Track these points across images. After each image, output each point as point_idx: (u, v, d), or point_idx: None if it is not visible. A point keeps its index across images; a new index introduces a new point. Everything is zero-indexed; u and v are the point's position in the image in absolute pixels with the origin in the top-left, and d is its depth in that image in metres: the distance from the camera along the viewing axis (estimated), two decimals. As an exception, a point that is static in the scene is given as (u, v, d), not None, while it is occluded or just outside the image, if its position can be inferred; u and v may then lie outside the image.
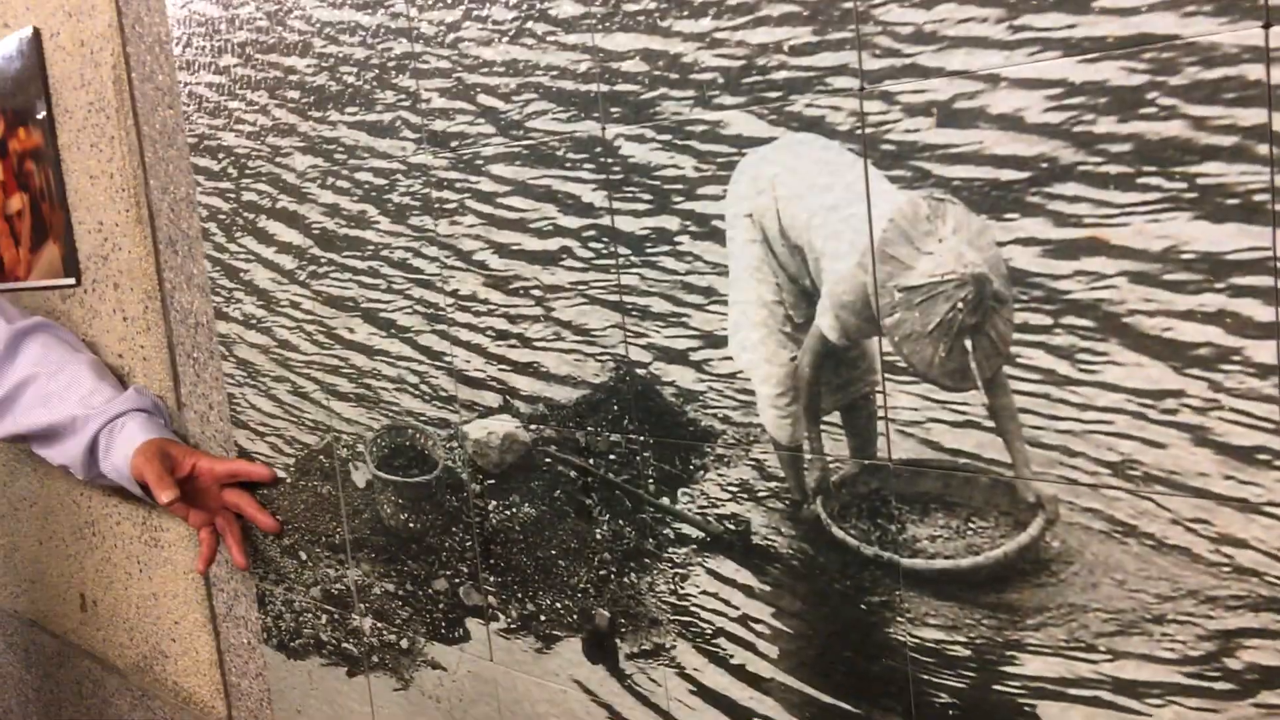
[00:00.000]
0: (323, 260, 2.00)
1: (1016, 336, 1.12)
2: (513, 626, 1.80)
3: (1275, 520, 0.98)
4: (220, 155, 2.19)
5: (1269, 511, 0.98)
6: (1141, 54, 0.99)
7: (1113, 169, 1.02)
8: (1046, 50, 1.05)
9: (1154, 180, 1.00)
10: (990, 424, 1.16)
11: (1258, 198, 0.94)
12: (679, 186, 1.40)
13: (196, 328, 2.40)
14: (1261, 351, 0.97)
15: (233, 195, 2.18)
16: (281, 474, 2.25)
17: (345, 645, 2.19)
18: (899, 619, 1.28)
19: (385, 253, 1.86)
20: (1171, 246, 1.00)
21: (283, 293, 2.12)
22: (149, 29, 2.31)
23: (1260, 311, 0.96)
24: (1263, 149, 0.94)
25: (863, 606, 1.31)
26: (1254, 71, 0.93)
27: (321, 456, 2.14)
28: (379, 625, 2.08)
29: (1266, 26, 0.92)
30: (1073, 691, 1.14)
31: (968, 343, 1.15)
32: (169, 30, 2.24)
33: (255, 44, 2.03)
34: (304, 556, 2.24)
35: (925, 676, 1.26)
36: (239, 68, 2.08)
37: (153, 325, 2.52)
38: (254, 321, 2.22)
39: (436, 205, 1.74)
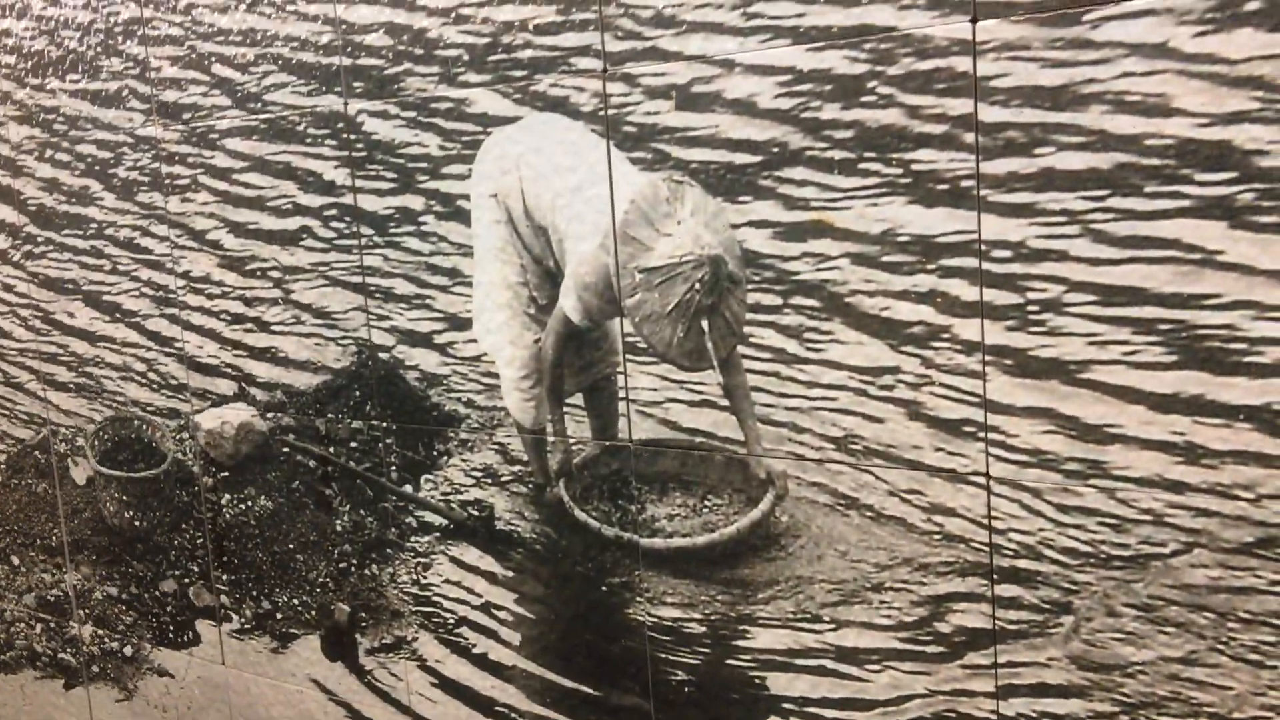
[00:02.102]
0: (40, 239, 1.85)
1: (749, 317, 1.15)
2: (247, 627, 1.71)
3: (979, 489, 1.04)
4: (-78, 122, 1.99)
5: (974, 481, 1.05)
6: (863, 44, 1.04)
7: (837, 154, 1.07)
8: (777, 38, 1.08)
9: (874, 165, 1.05)
10: (725, 403, 1.19)
11: (964, 183, 1.00)
12: (423, 165, 1.37)
13: (-107, 313, 2.18)
14: (968, 329, 1.03)
15: (-63, 167, 1.99)
16: (-9, 472, 2.07)
17: (62, 656, 2.02)
18: (638, 599, 1.29)
19: (110, 231, 1.74)
20: (889, 230, 1.05)
21: (-6, 274, 1.95)
22: None
23: (967, 291, 1.02)
24: (969, 137, 1.00)
25: (604, 588, 1.32)
26: (962, 63, 0.99)
27: (37, 452, 1.98)
28: (100, 632, 1.94)
29: (974, 21, 0.98)
30: (799, 662, 1.18)
31: (704, 323, 1.17)
32: None
33: (-36, 2, 1.86)
34: (16, 561, 2.07)
35: (663, 655, 1.28)
36: (-55, 27, 1.91)
37: None
38: (-39, 306, 2.03)
39: (167, 181, 1.64)
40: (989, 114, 0.98)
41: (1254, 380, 0.90)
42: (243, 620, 1.71)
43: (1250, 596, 0.93)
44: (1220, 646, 0.95)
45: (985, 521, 1.05)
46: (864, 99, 1.05)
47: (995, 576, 1.05)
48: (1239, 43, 0.87)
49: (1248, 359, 0.90)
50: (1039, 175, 0.97)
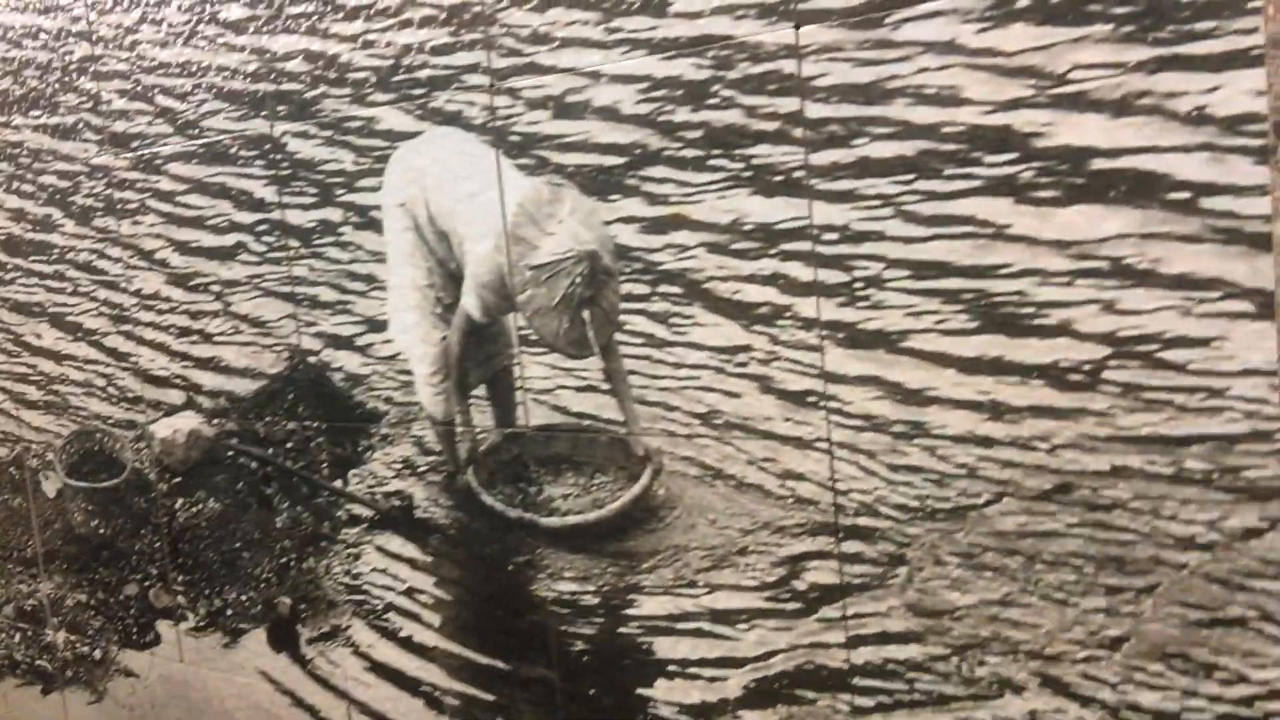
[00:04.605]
0: (9, 266, 1.98)
1: (623, 305, 1.25)
2: (201, 624, 1.81)
3: (823, 454, 1.14)
4: (-97, 161, 2.12)
5: (818, 447, 1.14)
6: (706, 52, 1.14)
7: (689, 153, 1.17)
8: (635, 49, 1.19)
9: (720, 161, 1.15)
10: (606, 387, 1.29)
11: (796, 174, 1.10)
12: (340, 180, 1.48)
13: (-119, 342, 2.30)
14: (806, 307, 1.12)
15: (-83, 202, 2.12)
16: (-29, 490, 2.18)
17: (39, 663, 2.13)
18: (540, 576, 1.38)
19: (71, 255, 1.86)
20: (736, 219, 1.15)
21: (-30, 301, 2.07)
22: None
23: (803, 272, 1.12)
24: (798, 132, 1.10)
25: (510, 567, 1.41)
26: (789, 66, 1.09)
27: (12, 469, 2.09)
28: (72, 638, 2.04)
29: (797, 27, 1.08)
30: (680, 625, 1.27)
31: (586, 314, 1.27)
32: None
33: (-62, 47, 2.00)
34: (-5, 574, 2.17)
35: (564, 627, 1.37)
36: (-78, 71, 2.04)
37: None
38: (-59, 332, 2.15)
39: (119, 206, 1.76)
40: (813, 110, 1.09)
41: (1043, 340, 1.00)
42: (197, 618, 1.81)
43: (1052, 539, 1.02)
44: (1030, 588, 1.04)
45: (830, 484, 1.14)
46: (709, 101, 1.15)
47: (840, 535, 1.14)
48: (1013, 36, 0.97)
49: (1036, 321, 1.00)
50: (857, 164, 1.07)
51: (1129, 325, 0.96)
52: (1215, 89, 0.90)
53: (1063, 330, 0.99)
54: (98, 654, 2.01)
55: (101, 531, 1.94)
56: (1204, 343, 0.93)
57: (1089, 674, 1.02)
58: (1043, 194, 0.98)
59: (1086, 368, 0.98)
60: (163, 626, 1.88)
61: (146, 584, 1.89)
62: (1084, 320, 0.98)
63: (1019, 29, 0.97)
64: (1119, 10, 0.93)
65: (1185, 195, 0.92)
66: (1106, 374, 0.98)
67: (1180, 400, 0.95)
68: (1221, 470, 0.94)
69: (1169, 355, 0.95)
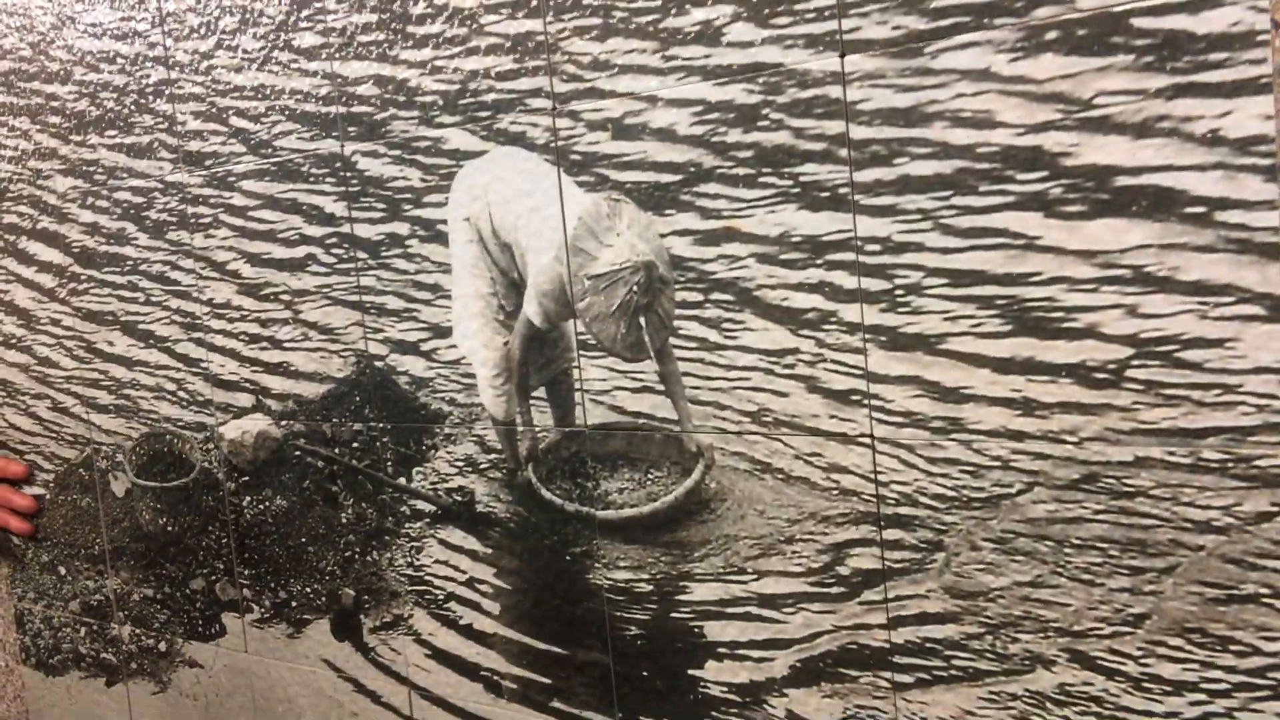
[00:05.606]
0: (83, 277, 2.09)
1: (678, 312, 1.35)
2: (266, 616, 1.91)
3: (866, 449, 1.23)
4: (-20, 178, 2.24)
5: (861, 441, 1.23)
6: (757, 78, 1.24)
7: (740, 171, 1.27)
8: (690, 75, 1.29)
9: (770, 179, 1.25)
10: (661, 388, 1.39)
11: (841, 190, 1.20)
12: (408, 196, 1.58)
13: (-47, 350, 2.42)
14: (850, 312, 1.22)
15: (-7, 217, 2.24)
16: (41, 490, 2.29)
17: (104, 655, 2.23)
18: (596, 565, 1.48)
19: (144, 267, 1.97)
20: (785, 232, 1.25)
21: (43, 311, 2.19)
22: (-93, 55, 2.35)
23: (848, 281, 1.22)
24: (843, 152, 1.20)
25: (567, 558, 1.51)
26: (834, 91, 1.19)
27: (81, 469, 2.20)
28: (137, 631, 2.15)
29: (842, 56, 1.18)
30: (730, 610, 1.36)
31: (642, 320, 1.37)
32: (-71, 57, 2.29)
33: (18, 73, 2.11)
34: (63, 571, 2.28)
35: (619, 614, 1.46)
36: (0, 95, 2.16)
37: (-93, 350, 2.50)
38: (14, 341, 2.26)
39: (192, 220, 1.87)
40: (857, 132, 1.18)
41: (1071, 342, 1.09)
42: (263, 610, 1.91)
43: (1080, 525, 1.11)
44: (1060, 570, 1.13)
45: (872, 476, 1.23)
46: (760, 124, 1.25)
47: (882, 523, 1.23)
48: (1043, 65, 1.07)
49: (1065, 325, 1.09)
50: (898, 181, 1.17)
51: (1150, 328, 1.06)
52: (1228, 113, 0.99)
53: (1089, 333, 1.08)
54: (163, 646, 2.12)
55: (169, 529, 2.05)
56: (1219, 343, 1.03)
57: (1114, 649, 1.11)
58: (1070, 209, 1.07)
59: (1111, 367, 1.08)
60: (228, 618, 1.98)
61: (213, 578, 1.99)
62: (1109, 323, 1.07)
63: (1048, 58, 1.07)
64: (1139, 42, 1.02)
65: (1201, 209, 1.02)
66: (1130, 372, 1.07)
67: (1197, 396, 1.04)
68: (1236, 459, 1.03)
69: (1187, 355, 1.04)
